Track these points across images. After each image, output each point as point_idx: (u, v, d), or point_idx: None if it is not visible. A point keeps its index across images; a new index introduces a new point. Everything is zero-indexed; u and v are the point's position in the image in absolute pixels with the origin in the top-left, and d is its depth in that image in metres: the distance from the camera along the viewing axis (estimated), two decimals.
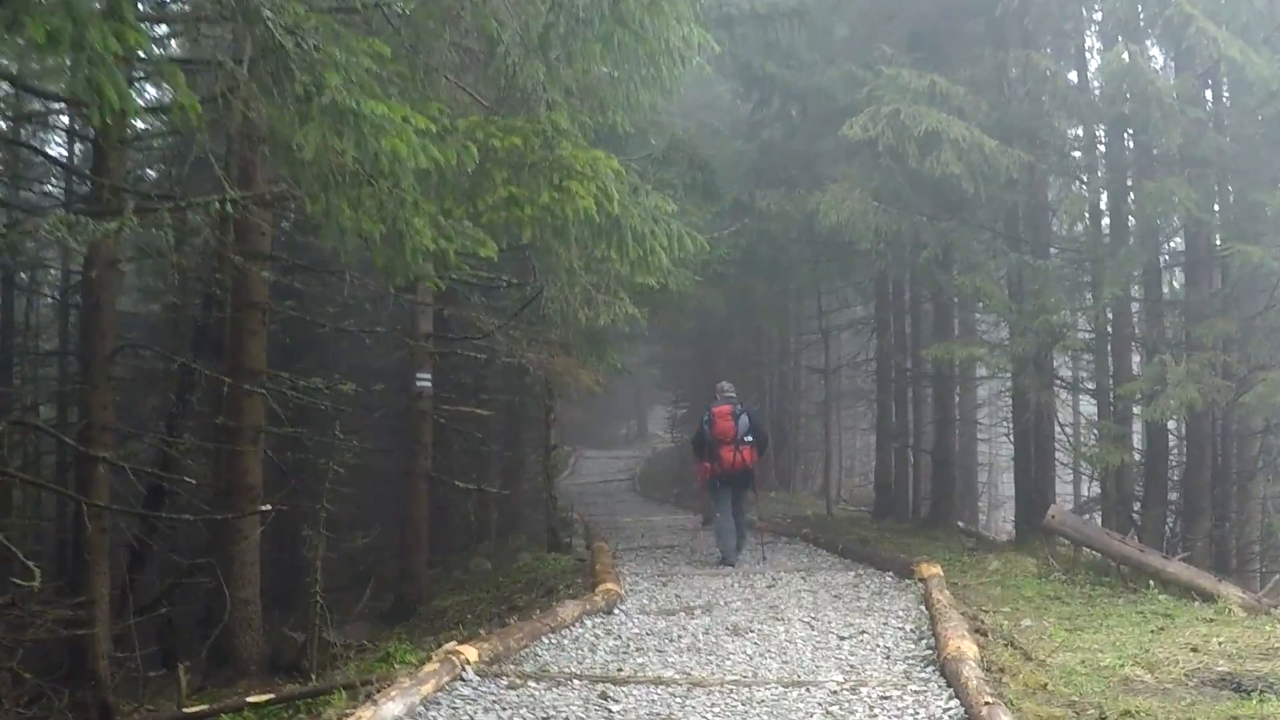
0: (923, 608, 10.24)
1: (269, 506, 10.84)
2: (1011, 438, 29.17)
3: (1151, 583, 11.96)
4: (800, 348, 33.43)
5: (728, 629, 9.54)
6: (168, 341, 16.87)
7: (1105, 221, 16.52)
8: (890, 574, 12.89)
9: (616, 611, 10.79)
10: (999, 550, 16.19)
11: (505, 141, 6.96)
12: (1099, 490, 20.07)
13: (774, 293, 21.62)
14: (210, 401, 14.37)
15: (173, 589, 14.22)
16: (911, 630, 9.22)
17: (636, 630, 9.68)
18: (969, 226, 15.36)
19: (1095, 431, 14.88)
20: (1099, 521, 17.39)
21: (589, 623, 10.00)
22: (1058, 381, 16.70)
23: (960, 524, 21.57)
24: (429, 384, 15.16)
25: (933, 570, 11.78)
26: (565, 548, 18.49)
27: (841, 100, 15.41)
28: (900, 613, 10.20)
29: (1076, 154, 16.11)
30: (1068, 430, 19.85)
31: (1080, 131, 15.89)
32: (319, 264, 14.20)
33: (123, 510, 11.00)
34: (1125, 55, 13.06)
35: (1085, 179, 15.63)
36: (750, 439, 14.34)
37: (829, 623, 9.77)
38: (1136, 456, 16.14)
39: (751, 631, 9.38)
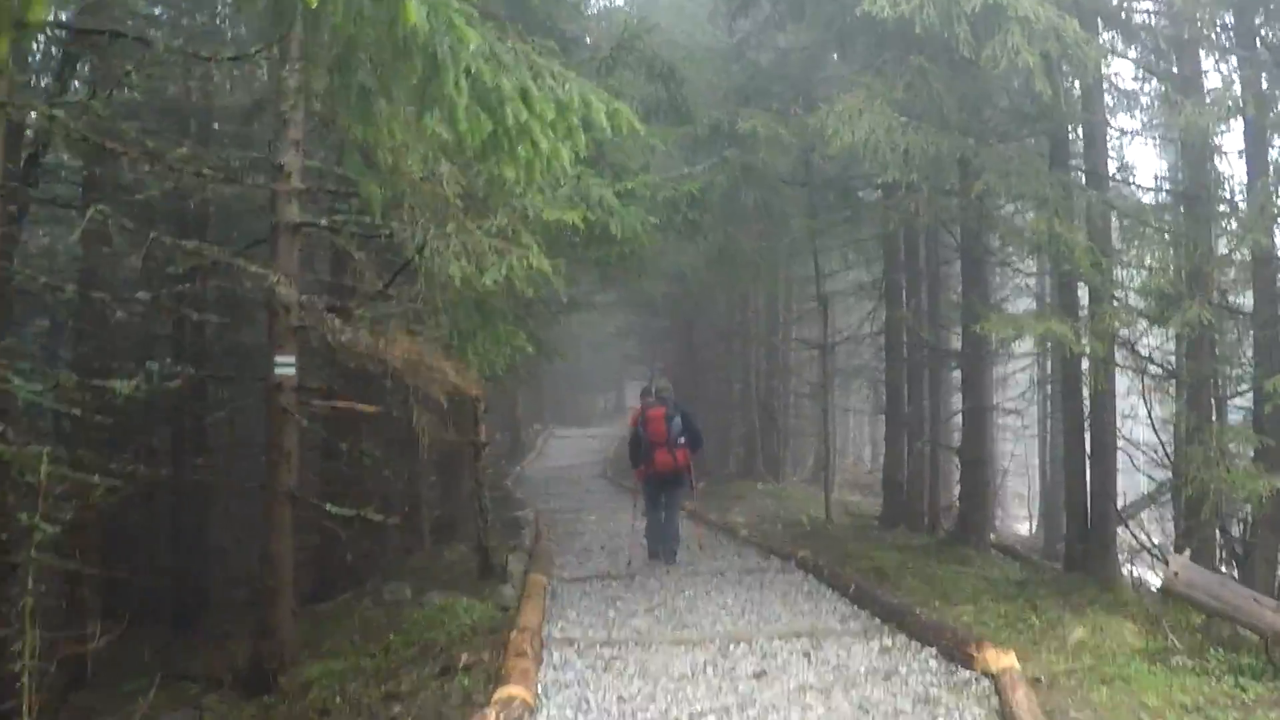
0: None
1: None
2: (1045, 433, 25.50)
3: None
4: (792, 318, 29.29)
5: None
6: None
7: None
8: (934, 652, 8.85)
9: None
10: (1064, 593, 12.17)
11: None
12: (1172, 506, 16.27)
13: (762, 249, 17.18)
14: None
15: None
16: None
17: None
18: (1029, 153, 11.23)
19: (1205, 437, 10.70)
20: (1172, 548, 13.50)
21: None
22: (1136, 367, 12.50)
23: (992, 537, 17.57)
24: (292, 369, 10.99)
25: (1003, 662, 7.78)
26: (499, 574, 14.56)
27: None
28: None
29: None
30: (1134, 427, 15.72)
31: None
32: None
33: None
34: None
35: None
36: (683, 440, 14.18)
37: None
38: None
39: None
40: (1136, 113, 16.11)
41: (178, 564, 20.89)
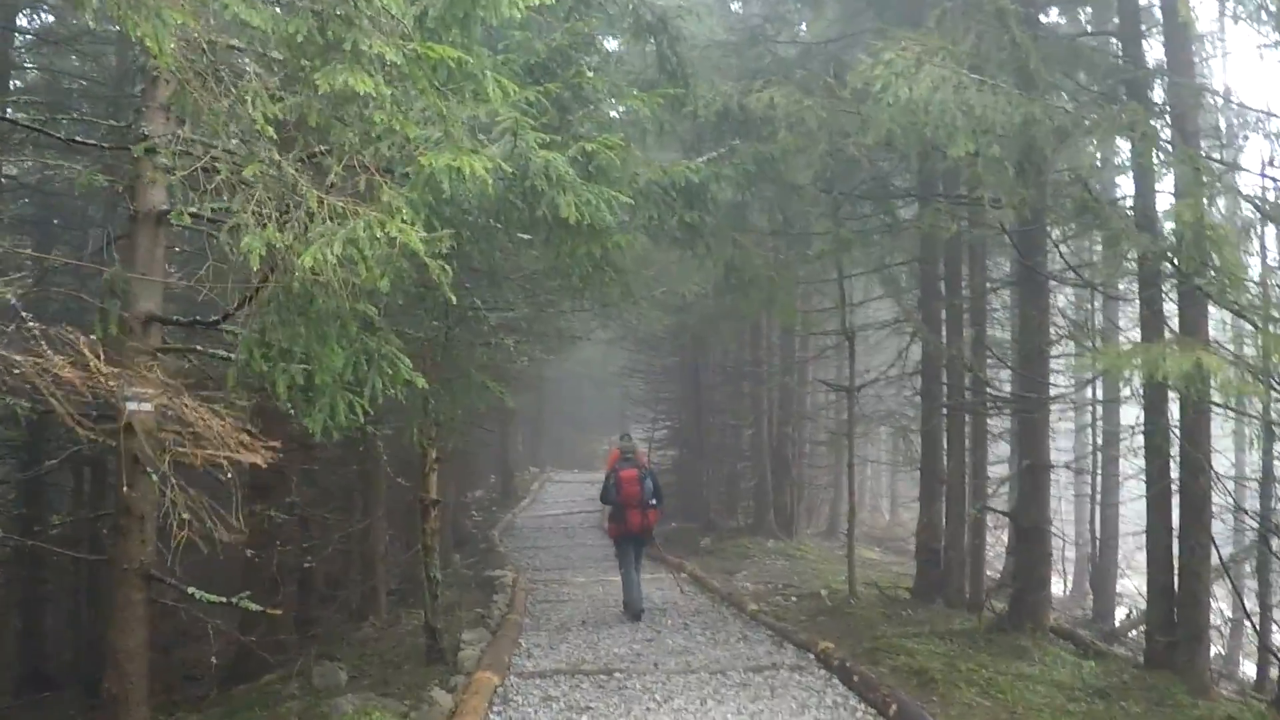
0: None
1: None
2: (1095, 490, 22.35)
3: None
4: (809, 357, 26.39)
5: None
6: None
7: None
8: None
9: None
10: (1157, 703, 9.40)
11: None
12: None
13: (779, 265, 14.04)
14: None
15: None
16: None
17: None
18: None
19: None
20: None
21: None
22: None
23: (1058, 624, 14.65)
24: (149, 406, 8.22)
25: None
26: (449, 660, 11.84)
27: None
28: None
29: None
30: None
31: None
32: None
33: None
34: None
35: None
36: (654, 502, 14.69)
37: None
38: None
39: None
40: None
41: (96, 623, 18.32)
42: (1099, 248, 14.26)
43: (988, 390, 15.29)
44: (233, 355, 7.92)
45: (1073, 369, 9.22)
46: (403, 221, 4.44)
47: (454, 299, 5.94)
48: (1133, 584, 25.99)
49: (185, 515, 6.97)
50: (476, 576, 20.14)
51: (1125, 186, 16.52)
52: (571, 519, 32.17)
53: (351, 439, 14.80)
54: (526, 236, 7.37)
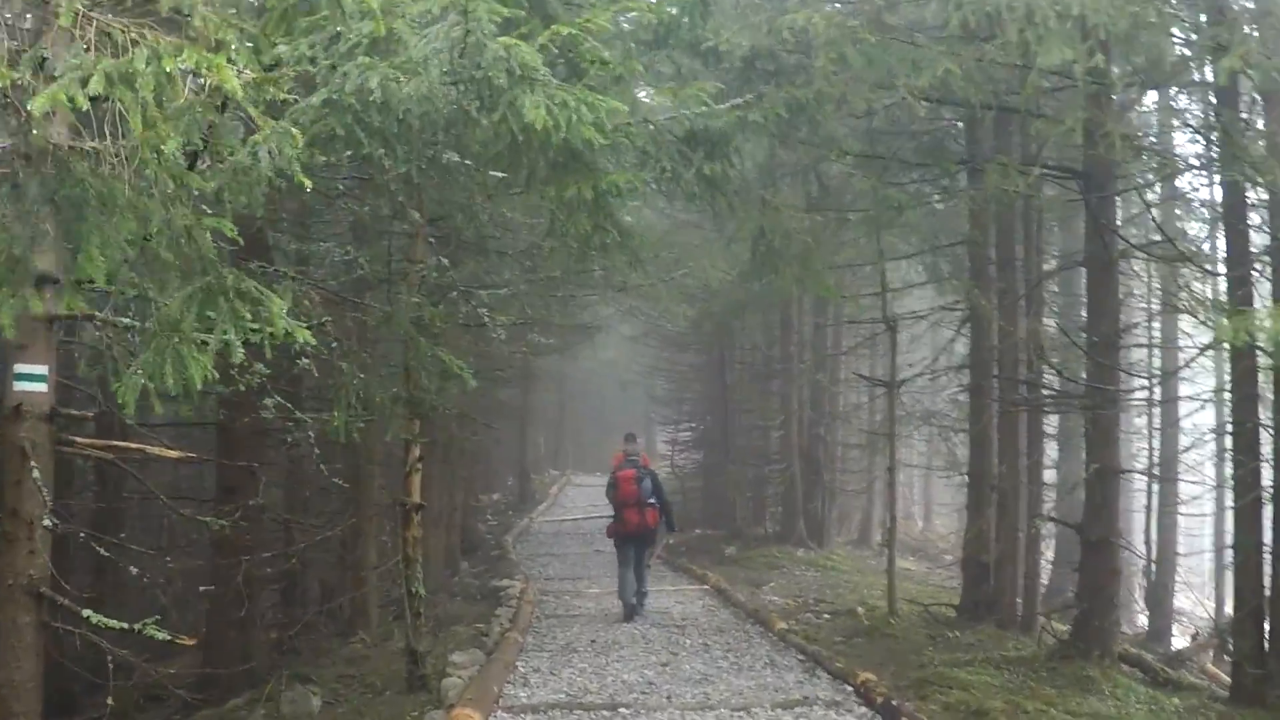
0: None
1: None
2: (1150, 499, 20.43)
3: None
4: (840, 351, 24.74)
5: None
6: None
7: None
8: None
9: None
10: None
11: None
12: None
13: (814, 228, 11.93)
14: None
15: None
16: None
17: None
18: None
19: None
20: None
21: None
22: None
23: (1123, 649, 12.92)
24: (43, 384, 6.66)
25: None
26: (431, 690, 10.29)
27: None
28: None
29: None
30: None
31: None
32: None
33: None
34: None
35: None
36: (653, 501, 14.69)
37: None
38: None
39: None
40: None
41: None
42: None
43: (1052, 384, 13.62)
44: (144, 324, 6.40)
45: (1220, 338, 7.55)
46: (227, 60, 2.91)
47: (307, 183, 4.31)
48: (1185, 601, 24.25)
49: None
50: (483, 586, 18.69)
51: None
52: (590, 524, 30.66)
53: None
54: (500, 174, 5.80)
